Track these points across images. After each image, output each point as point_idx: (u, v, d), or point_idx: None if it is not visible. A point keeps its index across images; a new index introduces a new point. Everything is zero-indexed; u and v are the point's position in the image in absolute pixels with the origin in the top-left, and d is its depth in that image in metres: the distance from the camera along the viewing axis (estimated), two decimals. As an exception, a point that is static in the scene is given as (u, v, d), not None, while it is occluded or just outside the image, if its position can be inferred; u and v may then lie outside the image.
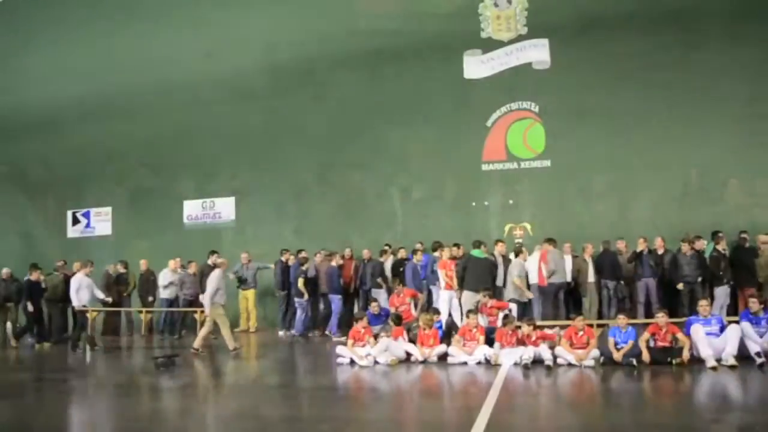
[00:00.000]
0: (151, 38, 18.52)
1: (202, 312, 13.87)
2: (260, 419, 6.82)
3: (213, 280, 11.57)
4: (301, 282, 13.55)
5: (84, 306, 13.15)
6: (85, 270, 13.32)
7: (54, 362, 12.30)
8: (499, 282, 12.60)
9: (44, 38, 19.82)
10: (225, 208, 17.60)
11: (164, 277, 15.00)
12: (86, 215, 18.99)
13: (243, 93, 17.56)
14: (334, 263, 14.06)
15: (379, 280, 13.67)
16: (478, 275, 11.72)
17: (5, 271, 15.10)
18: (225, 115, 17.70)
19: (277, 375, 10.02)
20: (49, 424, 6.88)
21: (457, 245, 13.46)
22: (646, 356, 8.79)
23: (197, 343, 11.58)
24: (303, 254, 14.17)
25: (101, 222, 18.83)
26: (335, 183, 16.62)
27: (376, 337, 10.15)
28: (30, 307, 13.95)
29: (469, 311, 10.33)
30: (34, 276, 14.15)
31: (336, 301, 13.73)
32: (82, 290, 12.99)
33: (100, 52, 19.04)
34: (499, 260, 12.87)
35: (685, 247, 12.47)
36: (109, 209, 18.82)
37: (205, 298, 11.72)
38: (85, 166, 19.01)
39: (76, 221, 19.11)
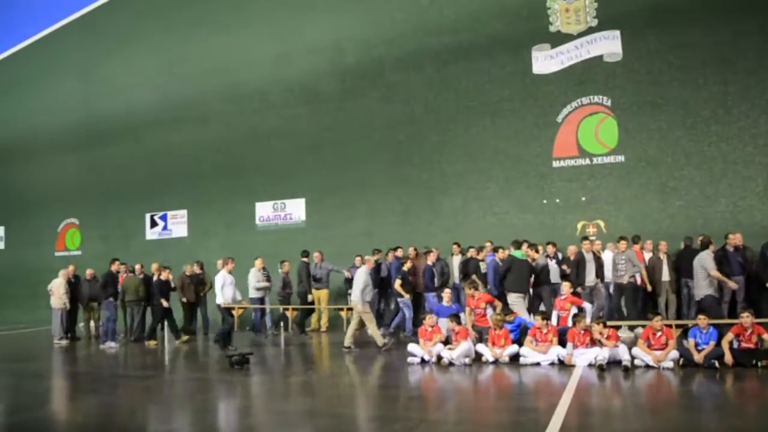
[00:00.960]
0: (221, 45, 19.09)
1: (293, 310, 14.36)
2: (334, 417, 6.90)
3: (360, 276, 11.91)
4: (398, 283, 13.29)
5: (228, 303, 12.97)
6: (227, 267, 13.04)
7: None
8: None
9: (122, 50, 20.74)
10: (296, 209, 17.91)
11: (254, 277, 14.94)
12: (163, 218, 19.73)
13: (312, 96, 17.88)
14: (429, 261, 13.84)
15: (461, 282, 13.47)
16: (522, 276, 11.80)
17: (89, 271, 15.83)
18: (295, 117, 18.06)
19: (350, 375, 10.10)
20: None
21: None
22: (728, 358, 8.45)
23: (347, 341, 11.82)
24: (399, 251, 14.36)
25: (177, 224, 19.51)
26: (403, 183, 16.63)
27: (446, 340, 10.10)
28: (165, 304, 14.27)
29: (540, 312, 10.15)
30: (164, 275, 14.51)
31: (430, 298, 13.60)
32: (227, 287, 12.81)
33: (173, 60, 19.80)
34: (548, 262, 12.77)
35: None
36: (184, 212, 19.48)
37: (354, 295, 11.91)
38: (161, 170, 19.79)
39: (153, 224, 19.87)
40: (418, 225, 16.23)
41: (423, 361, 9.90)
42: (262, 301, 14.92)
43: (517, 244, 12.65)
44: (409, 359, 9.98)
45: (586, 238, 12.91)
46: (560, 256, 13.17)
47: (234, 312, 13.43)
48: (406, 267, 13.53)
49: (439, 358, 9.75)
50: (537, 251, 12.82)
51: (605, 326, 9.41)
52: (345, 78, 17.57)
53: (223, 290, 12.74)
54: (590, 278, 12.43)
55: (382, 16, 17.22)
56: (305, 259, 15.05)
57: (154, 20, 20.38)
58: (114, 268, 14.96)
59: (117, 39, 20.96)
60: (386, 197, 16.76)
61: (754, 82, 13.89)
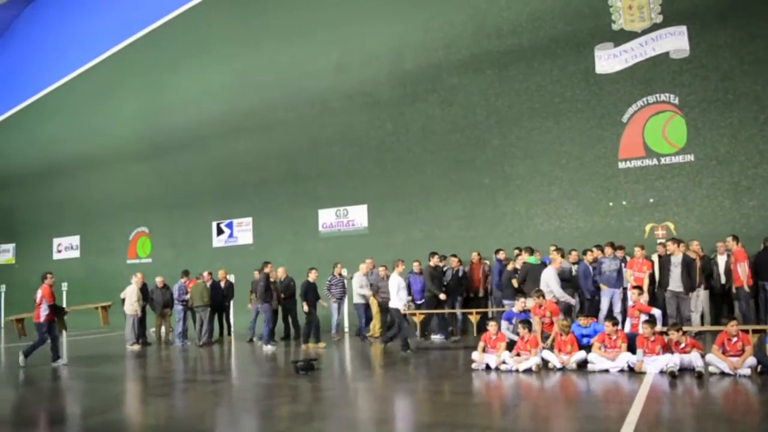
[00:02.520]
0: (283, 55, 19.51)
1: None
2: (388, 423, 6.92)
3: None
4: (515, 282, 12.97)
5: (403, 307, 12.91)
6: (398, 269, 12.84)
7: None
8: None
9: (188, 63, 21.44)
10: (358, 215, 18.07)
11: (358, 281, 14.95)
12: (229, 225, 20.22)
13: (372, 102, 18.03)
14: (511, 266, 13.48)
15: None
16: (537, 282, 11.80)
17: (159, 279, 16.33)
18: (355, 124, 18.26)
19: (412, 381, 10.11)
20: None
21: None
22: None
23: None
24: (502, 253, 14.20)
25: (243, 231, 19.97)
26: (465, 187, 16.57)
27: (510, 345, 9.99)
28: (305, 308, 13.98)
29: (610, 318, 9.93)
30: (312, 277, 14.35)
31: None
32: (402, 291, 12.64)
33: (237, 71, 20.35)
34: (573, 267, 12.84)
35: None
36: (249, 219, 19.92)
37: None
38: (226, 179, 20.33)
39: (220, 231, 20.39)
40: (481, 229, 16.14)
41: (488, 368, 9.82)
42: (366, 306, 14.89)
43: (531, 251, 12.70)
44: (474, 365, 9.92)
45: (675, 239, 12.42)
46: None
47: (412, 316, 13.61)
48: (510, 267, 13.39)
49: (503, 363, 9.66)
50: (562, 256, 12.85)
51: (683, 333, 9.14)
52: (404, 83, 17.64)
53: (399, 294, 12.58)
54: (674, 283, 11.98)
55: (440, 20, 17.22)
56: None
57: (218, 33, 20.97)
58: (312, 278, 14.71)
59: (183, 53, 21.67)
60: (448, 202, 16.74)
61: (834, 73, 13.25)
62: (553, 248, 12.84)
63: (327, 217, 18.57)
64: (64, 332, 13.18)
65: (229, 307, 16.77)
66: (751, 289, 12.08)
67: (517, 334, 10.27)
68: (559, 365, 9.58)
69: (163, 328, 16.46)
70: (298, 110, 19.16)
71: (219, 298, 16.12)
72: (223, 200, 20.52)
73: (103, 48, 24.20)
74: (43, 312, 12.45)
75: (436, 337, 14.02)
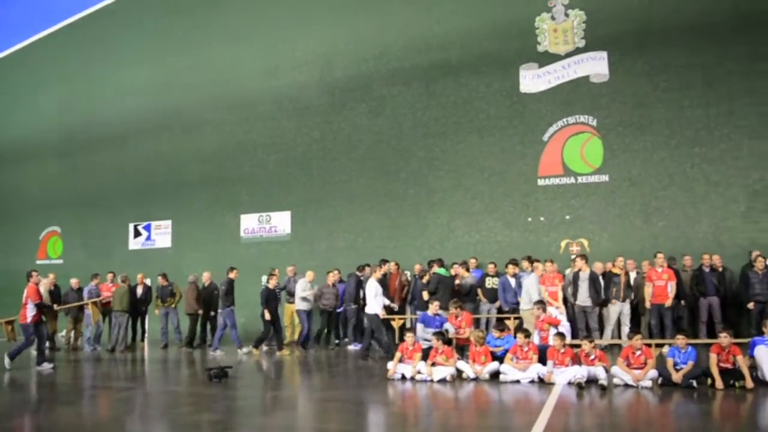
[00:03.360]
0: (210, 56, 19.18)
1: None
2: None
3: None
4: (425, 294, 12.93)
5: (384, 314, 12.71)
6: (376, 274, 12.64)
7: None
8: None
9: (111, 57, 20.77)
10: (281, 221, 17.87)
11: (302, 288, 14.29)
12: (147, 228, 19.62)
13: (300, 109, 17.94)
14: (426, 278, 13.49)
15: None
16: (446, 294, 12.10)
17: (74, 281, 15.67)
18: (282, 130, 18.11)
19: (327, 390, 10.04)
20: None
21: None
22: (719, 384, 8.44)
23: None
24: (417, 266, 14.27)
25: (161, 234, 19.41)
26: (390, 197, 16.67)
27: (426, 355, 10.06)
28: (267, 315, 13.44)
29: (523, 330, 10.15)
30: (272, 283, 13.87)
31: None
32: (379, 296, 12.39)
33: (163, 69, 19.85)
34: (512, 281, 13.05)
35: (758, 265, 11.96)
36: (169, 222, 19.39)
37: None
38: (146, 179, 19.74)
39: (137, 234, 19.76)
40: (404, 240, 16.25)
41: (403, 378, 9.86)
42: (309, 313, 14.41)
43: (441, 263, 13.03)
44: (389, 375, 9.94)
45: (584, 256, 12.84)
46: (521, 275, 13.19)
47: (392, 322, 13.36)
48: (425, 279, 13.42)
49: (419, 373, 9.73)
50: (468, 270, 13.41)
51: (594, 345, 9.44)
52: (333, 92, 17.65)
53: (377, 299, 12.28)
54: (582, 297, 12.41)
55: (372, 31, 17.34)
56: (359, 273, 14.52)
57: (145, 29, 20.41)
58: (233, 275, 14.53)
59: (105, 47, 20.96)
60: (372, 212, 16.78)
61: (736, 105, 14.10)
62: (621, 259, 13.03)
63: (249, 223, 18.29)
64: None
65: (146, 312, 16.22)
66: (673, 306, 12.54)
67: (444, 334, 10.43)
68: (472, 376, 9.71)
69: (73, 333, 15.79)
70: (224, 112, 18.84)
71: (136, 303, 15.65)
72: (142, 201, 19.88)
73: (22, 37, 23.20)
74: (30, 312, 11.84)
75: (351, 347, 13.96)
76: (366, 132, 17.16)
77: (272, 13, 18.60)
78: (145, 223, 19.76)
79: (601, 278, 12.49)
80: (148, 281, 16.37)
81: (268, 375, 11.64)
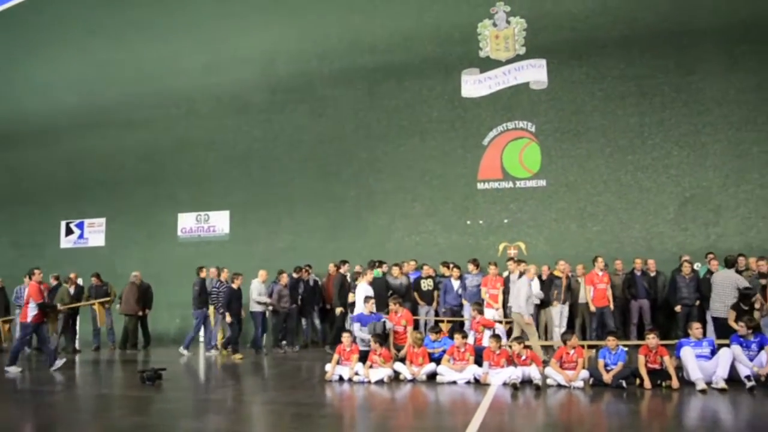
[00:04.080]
0: (150, 50, 18.67)
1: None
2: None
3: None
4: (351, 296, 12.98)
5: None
6: (366, 277, 12.39)
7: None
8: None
9: (44, 49, 19.96)
10: (219, 221, 17.55)
11: (257, 290, 13.78)
12: (80, 226, 18.96)
13: (241, 107, 17.67)
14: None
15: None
16: (379, 295, 12.05)
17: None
18: (222, 128, 17.78)
19: (263, 392, 9.91)
20: None
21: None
22: (647, 384, 8.71)
23: None
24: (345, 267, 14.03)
25: (94, 233, 18.79)
26: (330, 198, 16.57)
27: (364, 357, 10.04)
28: (228, 318, 13.18)
29: (457, 331, 10.25)
30: (236, 283, 13.45)
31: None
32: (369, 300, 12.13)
33: (99, 63, 19.19)
34: (455, 284, 13.17)
35: (685, 269, 12.35)
36: (103, 220, 18.79)
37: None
38: (80, 176, 19.04)
39: (69, 232, 19.08)
40: (344, 241, 16.16)
41: (341, 379, 9.82)
42: (263, 315, 13.92)
43: (378, 264, 13.07)
44: (327, 377, 9.88)
45: (511, 259, 12.99)
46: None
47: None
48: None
49: (356, 375, 9.72)
50: (401, 271, 13.48)
51: (525, 347, 9.60)
52: (275, 91, 17.45)
53: (366, 304, 11.94)
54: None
55: (316, 30, 17.23)
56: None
57: (81, 21, 19.67)
58: (203, 275, 14.07)
59: (39, 38, 20.11)
60: (312, 213, 16.66)
61: (668, 115, 14.63)
62: (563, 262, 13.10)
63: (187, 222, 17.89)
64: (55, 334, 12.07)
65: (77, 312, 15.65)
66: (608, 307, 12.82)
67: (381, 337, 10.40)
68: (410, 377, 9.74)
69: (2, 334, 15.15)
70: (162, 109, 18.35)
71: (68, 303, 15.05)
72: (75, 198, 19.15)
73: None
74: (31, 312, 11.27)
75: (288, 348, 13.77)
76: (308, 132, 17.03)
77: (213, 9, 18.23)
78: (77, 221, 19.08)
79: (538, 281, 12.71)
80: (80, 281, 15.83)
81: (204, 377, 11.43)
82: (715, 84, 14.49)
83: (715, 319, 10.78)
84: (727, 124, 14.31)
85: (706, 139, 14.39)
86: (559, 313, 12.87)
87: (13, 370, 11.23)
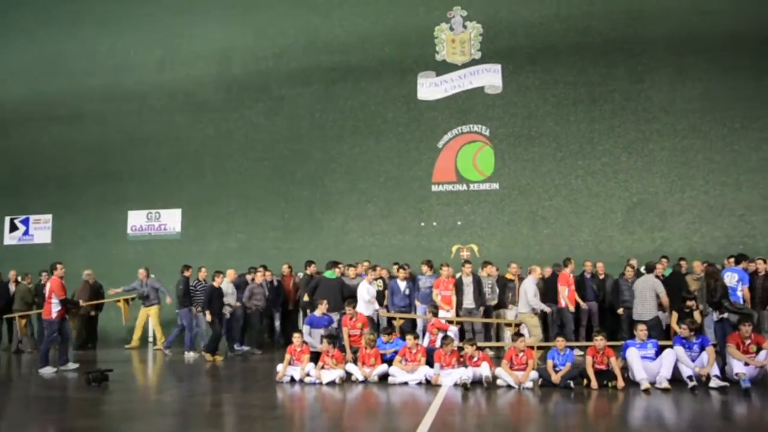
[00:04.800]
0: (103, 43, 18.28)
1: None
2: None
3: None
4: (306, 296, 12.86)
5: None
6: (369, 277, 12.44)
7: None
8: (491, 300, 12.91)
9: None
10: (171, 219, 17.26)
11: (228, 288, 13.36)
12: (25, 222, 18.41)
13: (195, 104, 17.43)
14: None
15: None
16: (330, 295, 11.90)
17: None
18: (175, 125, 17.52)
19: (213, 393, 9.78)
20: None
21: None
22: (594, 384, 8.89)
23: None
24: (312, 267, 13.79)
25: (40, 229, 18.26)
26: (284, 198, 16.49)
27: (315, 358, 10.00)
28: (209, 317, 12.68)
29: (409, 332, 10.29)
30: (217, 281, 12.97)
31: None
32: (372, 300, 12.18)
33: (48, 53, 18.70)
34: (401, 285, 12.98)
35: (628, 273, 12.59)
36: (49, 216, 18.27)
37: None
38: (26, 170, 18.49)
39: (13, 228, 18.49)
40: (297, 242, 16.10)
41: (292, 380, 9.76)
42: (232, 315, 13.41)
43: (331, 265, 12.84)
44: (278, 378, 9.81)
45: (468, 262, 13.09)
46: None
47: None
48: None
49: (308, 376, 9.67)
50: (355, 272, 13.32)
51: (477, 348, 9.70)
52: (231, 88, 17.28)
53: (368, 303, 11.93)
54: (468, 301, 12.65)
55: (273, 29, 17.13)
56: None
57: (30, 10, 19.12)
58: (187, 273, 13.50)
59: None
60: (266, 212, 16.54)
61: (618, 122, 15.02)
62: (515, 265, 13.19)
63: (137, 220, 17.54)
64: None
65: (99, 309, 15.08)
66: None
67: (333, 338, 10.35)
68: (361, 378, 9.74)
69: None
70: (113, 103, 17.95)
71: (11, 302, 14.62)
72: (20, 193, 18.56)
73: None
74: (54, 308, 10.87)
75: (240, 348, 13.60)
76: (263, 131, 16.91)
77: (170, 4, 17.96)
78: (22, 217, 18.51)
79: (487, 282, 12.83)
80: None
81: (153, 378, 11.22)
82: (662, 93, 14.94)
83: (638, 322, 11.02)
84: (674, 131, 14.79)
85: (654, 146, 14.84)
86: (514, 315, 12.99)
87: (48, 371, 10.90)
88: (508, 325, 12.38)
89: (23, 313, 14.18)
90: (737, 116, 14.66)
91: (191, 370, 11.57)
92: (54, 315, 11.03)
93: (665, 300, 11.20)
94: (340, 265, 13.16)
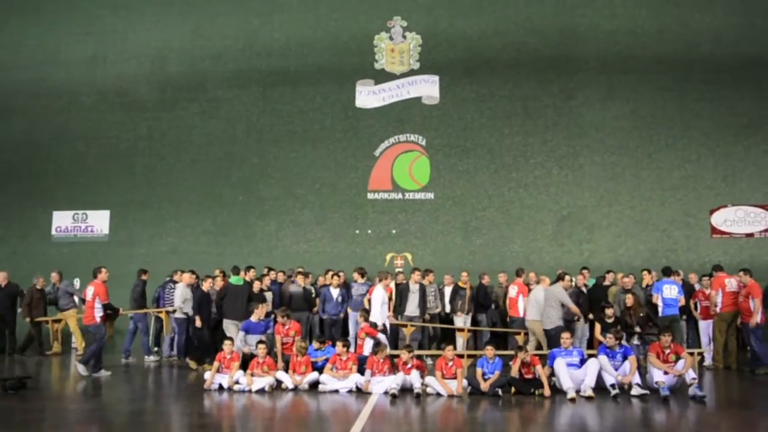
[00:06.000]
0: (32, 36, 17.54)
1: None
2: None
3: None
4: None
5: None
6: (384, 282, 12.14)
7: None
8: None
9: None
10: (98, 221, 16.67)
11: (182, 294, 12.65)
12: (-61, 221, 17.45)
13: (128, 103, 16.92)
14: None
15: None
16: (236, 303, 11.77)
17: None
18: (106, 123, 16.95)
19: (139, 401, 9.49)
20: None
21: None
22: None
23: None
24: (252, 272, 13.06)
25: (-44, 229, 17.35)
26: (218, 202, 16.16)
27: (245, 364, 9.86)
28: (198, 323, 12.05)
29: (339, 340, 10.25)
30: (206, 285, 12.43)
31: None
32: (384, 306, 11.81)
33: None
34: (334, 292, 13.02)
35: (565, 284, 12.73)
36: (-34, 215, 17.37)
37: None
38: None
39: (-74, 227, 17.50)
40: (230, 247, 15.81)
41: (221, 388, 9.58)
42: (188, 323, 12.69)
43: (237, 270, 12.62)
44: (206, 385, 9.61)
45: (416, 269, 13.04)
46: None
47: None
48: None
49: (237, 383, 9.52)
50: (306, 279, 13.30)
51: (412, 356, 9.74)
52: (165, 88, 16.86)
53: (382, 309, 11.62)
54: (411, 308, 12.63)
55: (211, 30, 16.85)
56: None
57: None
58: (145, 277, 13.17)
59: None
60: (199, 216, 16.17)
61: (550, 136, 15.46)
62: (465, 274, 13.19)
63: (62, 221, 16.85)
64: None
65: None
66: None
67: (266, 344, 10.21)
68: (292, 386, 9.64)
69: None
70: (41, 99, 17.20)
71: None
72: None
73: None
74: (98, 313, 10.78)
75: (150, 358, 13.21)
76: (197, 133, 16.56)
77: (103, -1, 17.46)
78: (-64, 215, 17.56)
79: (430, 290, 12.90)
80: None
81: (74, 385, 10.78)
82: (593, 110, 15.48)
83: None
84: (603, 147, 15.33)
85: (584, 161, 15.34)
86: (463, 322, 13.10)
87: (103, 374, 10.85)
88: (517, 333, 12.44)
89: None
90: (662, 135, 15.34)
91: (121, 379, 11.19)
92: (98, 319, 10.97)
93: (574, 309, 11.46)
94: (252, 270, 12.76)
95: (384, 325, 11.55)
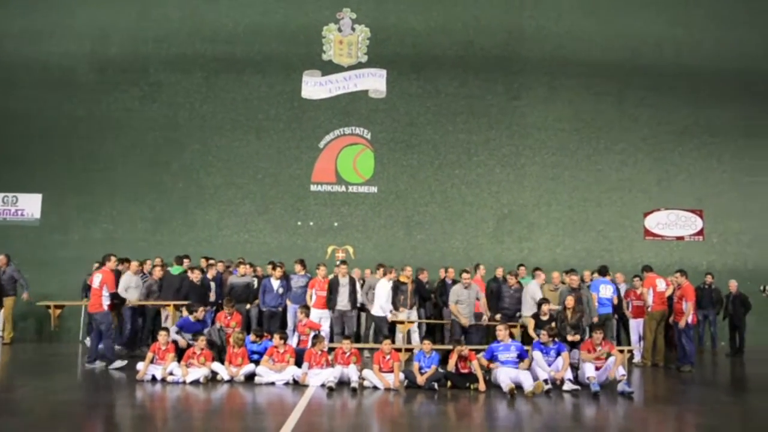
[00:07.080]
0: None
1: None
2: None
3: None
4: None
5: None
6: (389, 276, 12.18)
7: None
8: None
9: None
10: (29, 205, 16.05)
11: (128, 282, 12.02)
12: None
13: (65, 81, 16.24)
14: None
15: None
16: (169, 291, 11.90)
17: None
18: (41, 102, 16.22)
19: (67, 392, 9.21)
20: None
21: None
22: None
23: None
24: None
25: None
26: (157, 189, 15.76)
27: (180, 356, 9.69)
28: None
29: (279, 331, 10.18)
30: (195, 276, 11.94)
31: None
32: (388, 300, 11.93)
33: None
34: (275, 284, 12.76)
35: (511, 281, 12.82)
36: None
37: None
38: None
39: None
40: (169, 236, 15.45)
41: (154, 379, 9.38)
42: (135, 312, 12.18)
43: (179, 260, 12.58)
44: (138, 376, 9.40)
45: (344, 262, 12.98)
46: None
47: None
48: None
49: (171, 375, 9.35)
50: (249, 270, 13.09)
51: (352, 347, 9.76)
52: (106, 69, 16.28)
53: (387, 303, 11.70)
54: (343, 302, 12.58)
55: (156, 11, 16.36)
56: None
57: None
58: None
59: None
60: (136, 202, 15.73)
61: (494, 135, 15.70)
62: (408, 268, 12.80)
63: (-9, 203, 16.20)
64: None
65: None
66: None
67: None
68: (227, 377, 9.52)
69: None
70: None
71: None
72: None
73: None
74: (105, 301, 10.28)
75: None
76: (137, 117, 16.08)
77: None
78: None
79: (359, 284, 12.88)
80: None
81: (2, 374, 10.41)
82: (536, 111, 15.81)
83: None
84: (545, 148, 15.68)
85: (525, 160, 15.66)
86: (406, 317, 13.07)
87: (119, 365, 10.53)
88: (513, 326, 12.41)
89: None
90: (602, 138, 15.79)
91: (48, 368, 10.83)
92: (106, 308, 10.54)
93: (483, 305, 11.80)
94: (186, 260, 12.52)
95: (385, 317, 11.85)
